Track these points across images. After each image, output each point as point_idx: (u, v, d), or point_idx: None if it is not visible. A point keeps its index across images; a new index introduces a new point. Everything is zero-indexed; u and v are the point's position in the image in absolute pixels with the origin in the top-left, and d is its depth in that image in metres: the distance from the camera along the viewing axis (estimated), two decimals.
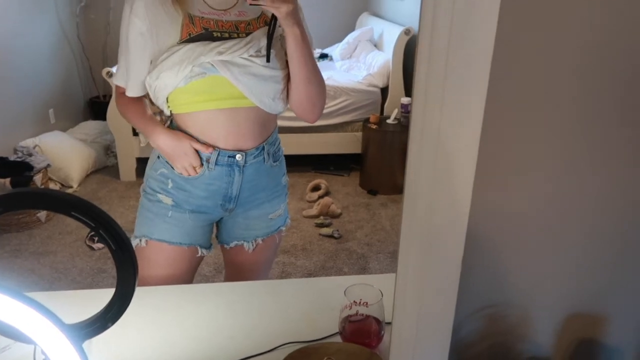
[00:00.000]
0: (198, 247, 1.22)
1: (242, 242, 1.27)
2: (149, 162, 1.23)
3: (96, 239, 2.68)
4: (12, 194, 0.71)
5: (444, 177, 0.63)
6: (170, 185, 1.17)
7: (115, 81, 1.19)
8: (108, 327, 0.69)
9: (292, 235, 2.85)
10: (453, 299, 0.70)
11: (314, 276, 2.49)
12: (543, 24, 0.64)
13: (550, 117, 0.70)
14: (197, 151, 1.14)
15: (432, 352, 0.75)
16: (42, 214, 2.90)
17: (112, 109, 3.30)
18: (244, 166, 1.16)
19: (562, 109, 0.69)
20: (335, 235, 2.87)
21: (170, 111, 1.15)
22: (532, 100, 0.68)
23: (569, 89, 0.68)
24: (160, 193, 1.18)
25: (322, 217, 3.04)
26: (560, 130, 0.71)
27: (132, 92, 1.15)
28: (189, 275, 1.24)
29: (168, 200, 1.18)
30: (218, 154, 1.14)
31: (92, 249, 2.66)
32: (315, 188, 3.36)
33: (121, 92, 1.19)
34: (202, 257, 1.25)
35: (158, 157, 1.19)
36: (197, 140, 1.13)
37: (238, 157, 1.15)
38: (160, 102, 1.14)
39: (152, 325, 0.95)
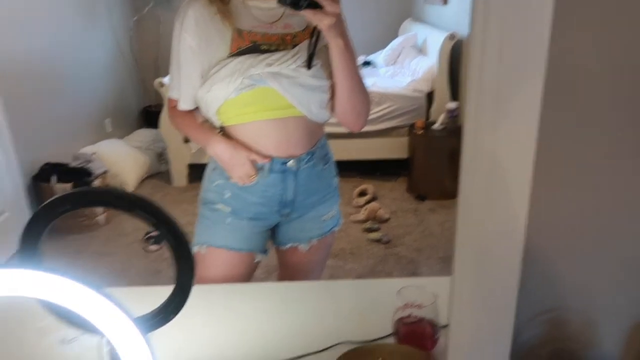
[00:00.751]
0: (255, 253, 1.25)
1: (298, 243, 1.30)
2: (206, 174, 1.27)
3: (152, 240, 2.78)
4: (81, 191, 0.75)
5: (499, 185, 0.62)
6: (227, 195, 1.21)
7: (169, 95, 1.24)
8: (170, 319, 0.71)
9: (340, 239, 2.85)
10: (512, 305, 0.68)
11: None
12: (597, 23, 0.62)
13: (607, 120, 0.67)
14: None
15: (492, 357, 0.73)
16: (101, 217, 3.03)
17: (164, 117, 3.42)
18: (296, 172, 1.19)
19: (620, 111, 0.66)
20: (384, 240, 2.84)
21: (221, 123, 1.18)
22: (588, 105, 0.66)
23: (629, 90, 0.65)
24: (218, 203, 1.22)
25: (369, 222, 3.03)
26: (619, 133, 0.68)
27: (185, 105, 1.19)
28: (245, 280, 1.27)
29: (227, 209, 1.22)
30: (272, 163, 1.17)
31: (147, 251, 2.75)
32: (362, 193, 3.35)
33: (173, 105, 1.23)
34: (258, 263, 1.28)
35: (214, 169, 1.23)
36: (252, 151, 1.17)
37: (290, 163, 1.18)
38: (211, 114, 1.17)
39: (207, 323, 0.97)
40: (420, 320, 0.90)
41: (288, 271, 1.37)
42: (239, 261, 1.23)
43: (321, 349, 0.87)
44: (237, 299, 1.04)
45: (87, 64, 3.82)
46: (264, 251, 1.28)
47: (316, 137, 1.22)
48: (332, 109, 1.19)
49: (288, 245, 1.31)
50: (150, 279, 2.52)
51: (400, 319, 0.90)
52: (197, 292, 1.09)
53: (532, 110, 0.58)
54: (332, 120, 1.23)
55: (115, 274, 2.58)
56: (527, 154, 0.60)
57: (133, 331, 0.55)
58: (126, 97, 4.45)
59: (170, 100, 1.24)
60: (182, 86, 1.17)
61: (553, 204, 0.73)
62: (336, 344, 0.88)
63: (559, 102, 0.65)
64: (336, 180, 1.32)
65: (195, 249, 1.23)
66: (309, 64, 1.11)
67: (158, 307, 0.71)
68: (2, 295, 0.55)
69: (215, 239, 1.22)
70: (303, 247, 1.30)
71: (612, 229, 0.74)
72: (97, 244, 2.91)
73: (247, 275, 1.27)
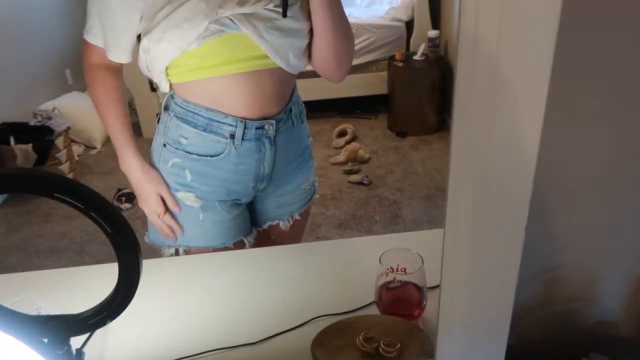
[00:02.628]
0: (243, 239, 1.09)
1: (278, 221, 1.14)
2: (154, 156, 1.03)
3: (124, 199, 2.65)
4: None
5: (504, 109, 0.49)
6: (188, 177, 1.00)
7: (88, 37, 0.95)
8: (112, 319, 0.61)
9: (320, 184, 2.74)
10: (516, 260, 0.58)
11: (345, 226, 2.42)
12: None
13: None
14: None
15: (489, 323, 0.64)
16: (70, 175, 2.88)
17: (128, 65, 3.19)
18: (274, 136, 1.00)
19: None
20: (365, 181, 2.76)
21: (170, 82, 0.96)
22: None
23: None
24: (179, 191, 1.01)
25: (350, 164, 2.93)
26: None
27: (118, 56, 0.94)
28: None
29: (191, 198, 1.01)
30: (245, 127, 0.95)
31: (121, 209, 2.64)
32: (342, 133, 3.23)
33: (94, 55, 0.95)
34: (249, 244, 1.12)
35: (164, 145, 1.00)
36: (168, 188, 1.00)
37: (267, 126, 0.97)
38: (156, 73, 0.94)
39: (165, 303, 0.87)
40: (405, 285, 0.82)
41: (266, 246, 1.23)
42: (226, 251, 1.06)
43: (298, 324, 0.79)
44: (199, 273, 0.94)
45: (37, 9, 3.50)
46: (250, 232, 1.11)
47: (290, 90, 1.02)
48: (309, 56, 0.99)
49: (266, 225, 1.14)
50: None
51: (383, 285, 0.82)
52: (161, 264, 1.00)
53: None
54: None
55: (88, 237, 2.47)
56: (543, 73, 0.47)
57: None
58: None
59: (89, 47, 0.94)
60: (111, 28, 0.90)
61: (564, 148, 0.63)
62: (314, 318, 0.79)
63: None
64: (310, 139, 1.14)
65: (170, 252, 1.07)
66: (284, 6, 0.88)
67: (98, 305, 0.61)
68: None
69: (192, 240, 1.05)
70: (284, 224, 1.14)
71: (623, 181, 0.65)
72: (66, 206, 2.78)
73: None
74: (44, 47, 3.50)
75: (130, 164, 1.01)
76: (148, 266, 0.61)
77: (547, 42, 0.44)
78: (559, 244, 0.70)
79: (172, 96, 0.98)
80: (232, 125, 0.95)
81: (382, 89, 3.47)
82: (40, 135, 2.84)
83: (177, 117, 0.97)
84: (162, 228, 1.04)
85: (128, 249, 0.59)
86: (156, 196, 1.01)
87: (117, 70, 0.99)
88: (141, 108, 3.38)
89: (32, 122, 2.94)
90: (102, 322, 0.60)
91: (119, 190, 2.68)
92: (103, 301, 0.61)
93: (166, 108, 1.00)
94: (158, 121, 1.03)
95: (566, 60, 0.54)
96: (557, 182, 0.65)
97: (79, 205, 0.56)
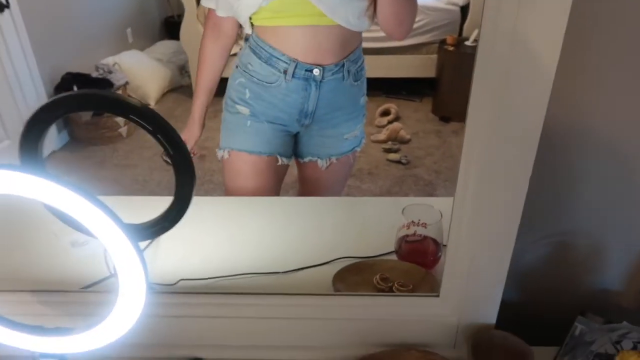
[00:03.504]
0: (277, 156, 1.25)
1: (317, 158, 1.29)
2: (231, 73, 1.26)
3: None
4: (79, 94, 0.73)
5: (519, 74, 0.56)
6: (247, 95, 1.19)
7: (205, 3, 1.19)
8: (168, 229, 0.71)
9: (359, 159, 2.82)
10: (516, 220, 0.65)
11: None
12: None
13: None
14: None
15: (488, 276, 0.72)
16: (123, 129, 3.06)
17: (185, 28, 3.32)
18: (321, 81, 1.15)
19: None
20: (403, 161, 2.81)
21: (252, 25, 1.16)
22: None
23: None
24: (238, 104, 1.21)
25: (390, 143, 2.98)
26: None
27: (222, 11, 1.17)
28: (273, 185, 1.28)
29: (246, 111, 1.21)
30: (295, 66, 1.13)
31: (168, 163, 2.80)
32: (385, 113, 3.26)
33: (212, 19, 1.20)
34: (286, 167, 1.28)
35: (237, 66, 1.21)
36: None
37: (315, 71, 1.14)
38: (243, 21, 1.15)
39: (213, 234, 0.98)
40: (424, 239, 0.89)
41: (306, 187, 1.36)
42: (261, 165, 1.23)
43: (322, 262, 0.88)
44: (242, 212, 1.05)
45: None
46: (289, 156, 1.27)
47: (349, 48, 1.16)
48: (372, 16, 1.11)
49: (307, 159, 1.30)
50: (171, 191, 2.57)
51: (404, 237, 0.90)
52: (205, 202, 1.11)
53: None
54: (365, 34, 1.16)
55: (138, 185, 2.64)
56: (557, 36, 0.53)
57: (123, 238, 0.55)
58: (147, 5, 4.31)
59: (209, 13, 1.20)
60: None
61: (574, 111, 0.67)
62: (337, 259, 0.88)
63: None
64: (364, 99, 1.27)
65: (219, 155, 1.26)
66: None
67: (157, 217, 0.72)
68: (3, 193, 0.56)
69: (236, 143, 1.23)
70: (322, 163, 1.29)
71: (634, 148, 0.70)
72: (119, 156, 2.96)
73: (273, 181, 1.27)
74: (106, 5, 3.68)
75: (197, 109, 1.27)
76: (201, 202, 0.72)
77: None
78: (567, 210, 0.75)
79: (252, 34, 1.19)
80: (286, 63, 1.13)
81: (431, 72, 3.47)
82: (101, 87, 3.02)
83: (250, 47, 1.18)
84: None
85: (185, 168, 0.70)
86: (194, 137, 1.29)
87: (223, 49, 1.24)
88: (195, 71, 3.51)
89: (94, 75, 3.13)
90: (160, 231, 0.71)
91: None
92: (161, 214, 0.72)
93: (246, 40, 1.21)
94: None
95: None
96: (568, 149, 0.70)
97: (149, 127, 0.66)
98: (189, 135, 1.28)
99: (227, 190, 1.28)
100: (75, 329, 0.67)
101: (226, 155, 1.24)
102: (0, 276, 0.88)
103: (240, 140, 1.23)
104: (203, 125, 1.29)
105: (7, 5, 2.37)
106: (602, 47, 0.63)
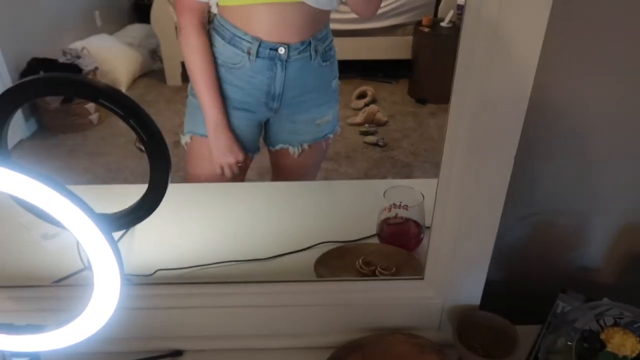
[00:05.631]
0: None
1: (288, 146, 1.26)
2: None
3: None
4: (46, 77, 0.69)
5: (502, 54, 0.55)
6: None
7: None
8: (143, 218, 0.69)
9: (336, 142, 2.80)
10: (501, 200, 0.64)
11: None
12: None
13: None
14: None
15: (473, 257, 0.71)
16: (94, 117, 2.98)
17: (156, 11, 3.22)
18: (287, 61, 1.11)
19: None
20: (380, 143, 2.81)
21: (218, 6, 1.12)
22: None
23: None
24: None
25: (367, 125, 2.97)
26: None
27: None
28: (236, 177, 1.24)
29: None
30: (259, 45, 1.10)
31: (142, 150, 2.73)
32: (361, 95, 3.25)
33: (189, 12, 1.10)
34: (250, 159, 1.24)
35: None
36: (239, 142, 1.16)
37: (281, 50, 1.10)
38: (214, 1, 1.12)
39: (191, 221, 0.96)
40: (406, 221, 0.88)
41: (279, 174, 1.34)
42: None
43: (304, 247, 0.87)
44: (220, 198, 1.02)
45: None
46: (254, 150, 1.24)
47: (316, 26, 1.12)
48: None
49: (278, 146, 1.27)
50: (145, 179, 2.52)
51: (385, 220, 0.89)
52: (180, 190, 1.08)
53: None
54: (333, 16, 1.13)
55: (110, 173, 2.57)
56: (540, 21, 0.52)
57: (95, 229, 0.52)
58: None
59: (185, 4, 1.11)
60: None
61: (559, 93, 0.67)
62: (318, 244, 0.87)
63: None
64: (336, 82, 1.24)
65: (183, 140, 1.22)
66: None
67: (131, 206, 0.69)
68: None
69: (199, 127, 1.18)
70: (294, 150, 1.26)
71: (616, 127, 0.70)
72: (91, 143, 2.88)
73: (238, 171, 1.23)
74: None
75: (216, 110, 1.17)
76: (176, 190, 0.69)
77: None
78: (548, 189, 0.75)
79: (216, 15, 1.14)
80: (249, 42, 1.10)
81: (406, 54, 3.46)
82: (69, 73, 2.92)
83: (214, 29, 1.13)
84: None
85: (159, 155, 0.67)
86: (232, 150, 1.19)
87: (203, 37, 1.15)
88: (167, 56, 3.43)
89: (62, 60, 3.02)
90: (135, 220, 0.68)
91: None
92: (136, 203, 0.69)
93: (210, 23, 1.17)
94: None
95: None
96: (545, 127, 0.70)
97: (120, 111, 0.63)
98: (220, 140, 1.16)
99: (187, 177, 1.24)
100: (48, 326, 0.64)
101: (188, 140, 1.21)
102: None
103: (203, 125, 1.18)
104: (231, 130, 1.18)
105: None
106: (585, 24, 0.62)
